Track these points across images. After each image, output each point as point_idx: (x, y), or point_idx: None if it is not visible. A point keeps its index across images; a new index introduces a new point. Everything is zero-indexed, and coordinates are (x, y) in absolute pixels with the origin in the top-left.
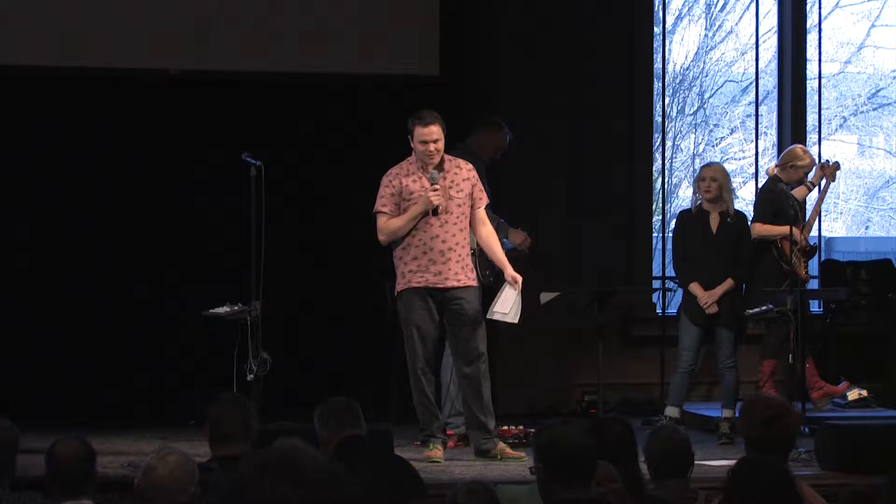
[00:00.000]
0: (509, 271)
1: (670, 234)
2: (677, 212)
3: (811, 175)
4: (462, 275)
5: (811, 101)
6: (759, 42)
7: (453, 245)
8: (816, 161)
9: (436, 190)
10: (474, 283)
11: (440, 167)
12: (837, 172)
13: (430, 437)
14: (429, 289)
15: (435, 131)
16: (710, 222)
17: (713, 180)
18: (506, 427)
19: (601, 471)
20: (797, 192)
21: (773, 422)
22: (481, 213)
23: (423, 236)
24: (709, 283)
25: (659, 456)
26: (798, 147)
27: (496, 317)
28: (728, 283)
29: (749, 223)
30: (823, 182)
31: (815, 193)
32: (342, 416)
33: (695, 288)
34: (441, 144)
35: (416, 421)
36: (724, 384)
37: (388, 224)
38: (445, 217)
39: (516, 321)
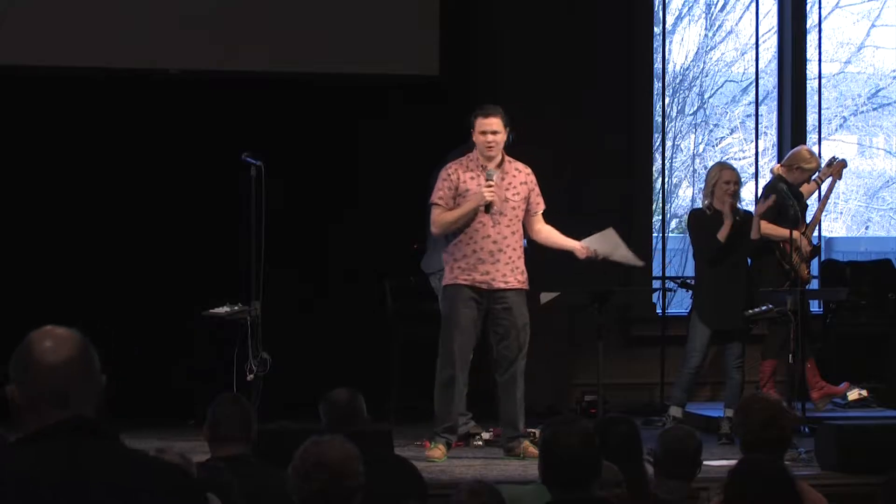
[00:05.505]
0: (576, 246)
1: (670, 234)
2: (678, 211)
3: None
4: (511, 277)
5: (811, 101)
6: (759, 42)
7: (503, 246)
8: (822, 164)
9: (490, 187)
10: (524, 285)
11: (501, 167)
12: (843, 170)
13: (436, 434)
14: (475, 287)
15: (494, 122)
16: (724, 222)
17: (736, 183)
18: None
19: (606, 473)
20: (807, 188)
21: (769, 422)
22: (539, 217)
23: (475, 235)
24: (727, 283)
25: (668, 456)
26: (804, 149)
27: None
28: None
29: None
30: (829, 180)
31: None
32: (344, 410)
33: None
34: (500, 138)
35: (416, 421)
36: (730, 383)
37: (441, 216)
38: (498, 218)
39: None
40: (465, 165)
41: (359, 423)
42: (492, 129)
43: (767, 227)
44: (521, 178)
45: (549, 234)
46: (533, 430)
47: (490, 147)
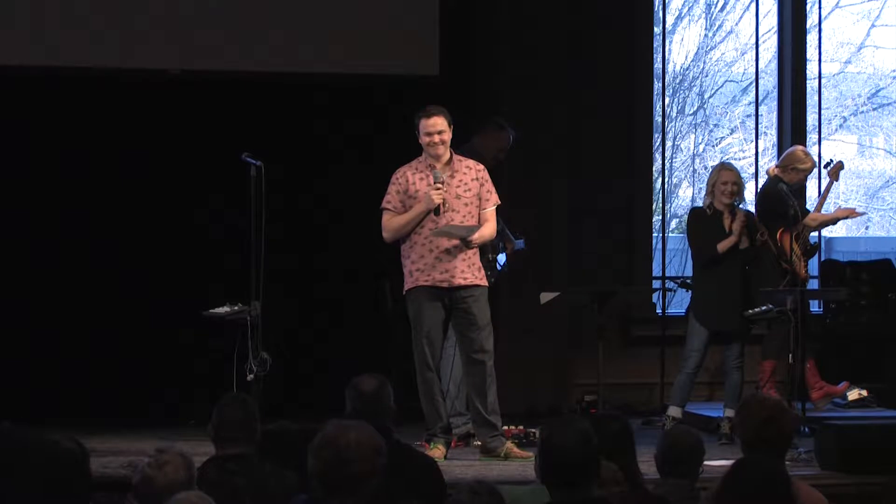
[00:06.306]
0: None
1: (670, 234)
2: (678, 211)
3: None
4: (469, 273)
5: (811, 101)
6: (759, 42)
7: (459, 244)
8: (817, 163)
9: (438, 188)
10: (482, 281)
11: (450, 165)
12: (841, 172)
13: (433, 436)
14: (436, 287)
15: (438, 123)
16: (724, 223)
17: (735, 184)
18: (506, 427)
19: (605, 472)
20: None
21: (769, 422)
22: (486, 213)
23: (429, 234)
24: (724, 284)
25: (668, 455)
26: (799, 149)
27: None
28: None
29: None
30: (826, 181)
31: (815, 192)
32: (369, 401)
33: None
34: (446, 136)
35: (416, 421)
36: (730, 383)
37: (391, 221)
38: (451, 216)
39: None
40: (415, 168)
41: (383, 416)
42: (437, 129)
43: (818, 216)
44: (471, 175)
45: (482, 237)
46: (533, 430)
47: (437, 147)
